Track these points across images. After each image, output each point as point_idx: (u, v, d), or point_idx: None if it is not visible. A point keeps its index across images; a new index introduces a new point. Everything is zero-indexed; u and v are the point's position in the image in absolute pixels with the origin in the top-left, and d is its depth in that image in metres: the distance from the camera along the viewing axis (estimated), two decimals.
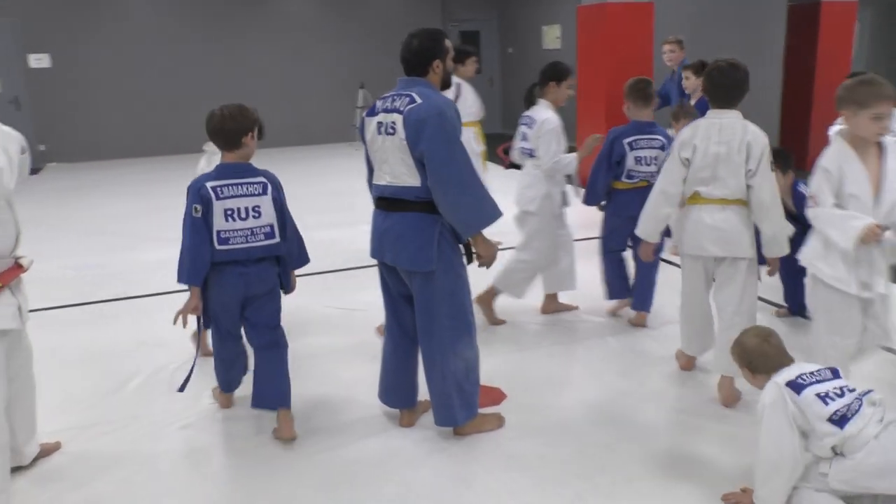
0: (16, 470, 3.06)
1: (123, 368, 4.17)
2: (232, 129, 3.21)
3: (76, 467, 3.17)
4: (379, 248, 3.17)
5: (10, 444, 2.95)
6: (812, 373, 2.57)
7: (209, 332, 3.56)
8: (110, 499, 2.95)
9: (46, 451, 3.24)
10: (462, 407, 3.21)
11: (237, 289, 3.26)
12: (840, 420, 2.44)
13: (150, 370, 4.15)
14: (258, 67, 13.03)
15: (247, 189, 3.21)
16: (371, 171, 3.26)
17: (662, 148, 4.44)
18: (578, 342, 4.42)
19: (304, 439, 3.34)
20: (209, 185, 3.19)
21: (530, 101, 4.64)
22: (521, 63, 14.13)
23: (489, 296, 4.63)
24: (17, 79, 11.90)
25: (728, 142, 3.36)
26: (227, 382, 3.58)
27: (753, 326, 2.98)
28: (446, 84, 3.17)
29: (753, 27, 11.43)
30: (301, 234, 3.51)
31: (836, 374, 2.60)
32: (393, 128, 2.98)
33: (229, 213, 3.18)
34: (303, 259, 3.52)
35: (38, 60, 12.02)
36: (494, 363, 3.98)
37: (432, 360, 3.18)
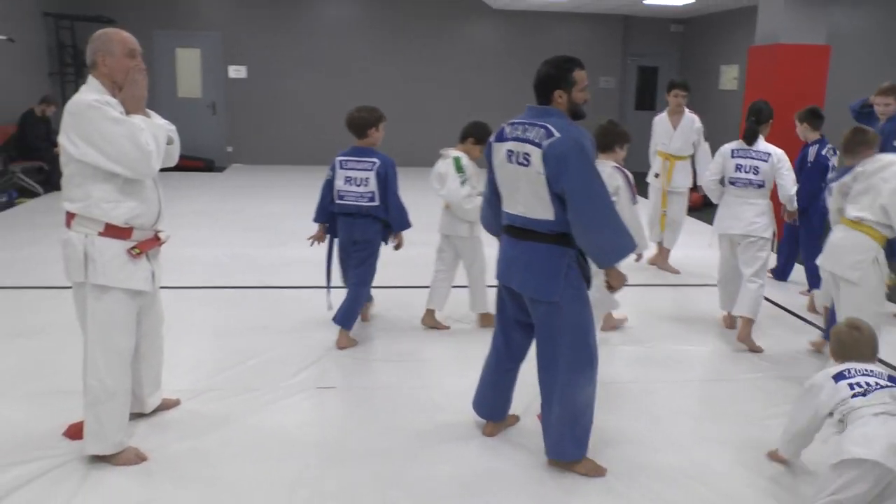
0: (139, 416, 3.48)
1: (247, 346, 4.58)
2: (360, 122, 4.60)
3: (188, 422, 3.54)
4: (506, 273, 3.21)
5: (137, 392, 3.38)
6: (866, 371, 2.90)
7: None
8: (210, 453, 3.28)
9: (167, 405, 3.64)
10: (574, 443, 3.15)
11: (346, 233, 4.60)
12: (854, 395, 2.82)
13: (269, 351, 4.52)
14: (438, 89, 13.52)
15: (361, 165, 4.51)
16: (495, 194, 3.27)
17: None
18: None
19: (400, 439, 3.54)
20: (338, 158, 4.59)
21: (753, 137, 5.03)
22: (697, 102, 13.81)
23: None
24: (217, 87, 13.09)
25: None
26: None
27: (854, 318, 3.25)
28: (576, 115, 3.09)
29: None
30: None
31: (892, 380, 2.86)
32: (527, 159, 2.98)
33: (348, 179, 4.51)
34: (403, 224, 4.65)
35: (237, 71, 13.14)
36: None
37: (550, 390, 3.15)
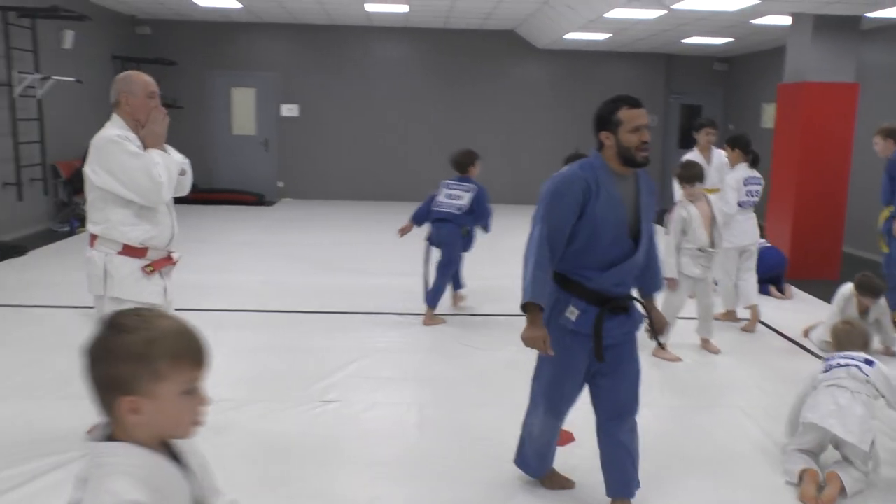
0: None
1: (267, 363, 4.95)
2: (462, 161, 6.21)
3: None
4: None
5: None
6: (846, 356, 3.59)
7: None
8: (209, 453, 3.61)
9: None
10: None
11: (436, 234, 6.14)
12: (823, 371, 3.56)
13: (285, 368, 4.88)
14: (482, 126, 13.85)
15: (462, 188, 6.10)
16: None
17: None
18: None
19: (396, 451, 3.83)
20: (446, 181, 6.19)
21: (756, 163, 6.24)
22: None
23: None
24: (270, 124, 13.74)
25: None
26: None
27: (848, 316, 4.48)
28: (626, 159, 2.89)
29: None
30: None
31: (868, 362, 3.53)
32: None
33: (449, 195, 6.09)
34: (488, 227, 6.30)
35: (290, 110, 13.77)
36: None
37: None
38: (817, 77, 8.40)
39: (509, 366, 4.89)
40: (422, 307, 6.10)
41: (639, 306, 3.13)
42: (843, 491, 3.30)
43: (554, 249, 2.91)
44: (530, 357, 3.17)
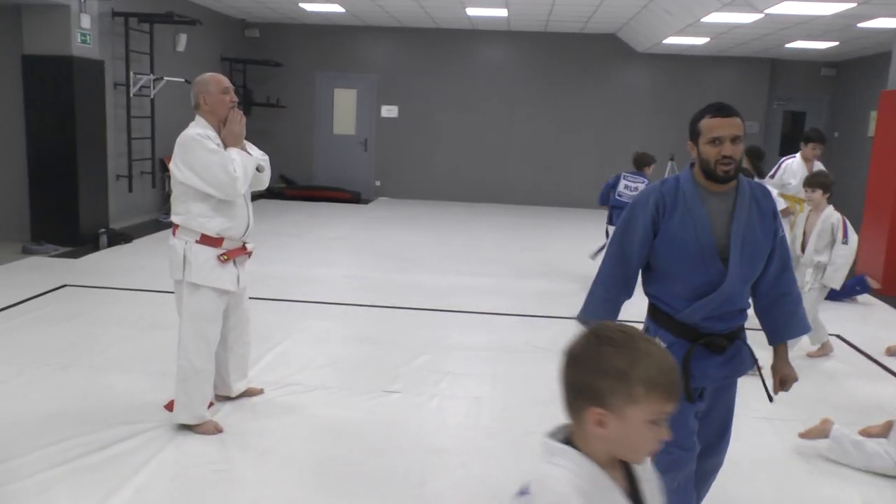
0: (225, 398, 4.16)
1: (338, 353, 5.21)
2: (639, 160, 7.61)
3: (264, 407, 4.19)
4: None
5: (224, 377, 4.05)
6: None
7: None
8: (273, 433, 3.88)
9: (251, 392, 4.28)
10: None
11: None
12: None
13: (355, 358, 5.12)
14: (582, 129, 13.88)
15: (637, 180, 7.37)
16: None
17: None
18: None
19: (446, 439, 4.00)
20: (624, 173, 7.56)
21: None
22: (843, 150, 13.40)
23: None
24: (370, 125, 14.14)
25: None
26: None
27: None
28: (707, 173, 2.63)
29: None
30: None
31: None
32: None
33: (626, 186, 7.34)
34: None
35: (389, 111, 14.13)
36: None
37: None
38: None
39: None
40: (505, 306, 6.21)
41: (750, 348, 2.75)
42: None
43: (626, 268, 2.74)
44: None
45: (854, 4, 7.21)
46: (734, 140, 2.57)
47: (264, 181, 4.05)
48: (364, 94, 14.09)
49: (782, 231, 2.76)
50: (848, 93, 13.53)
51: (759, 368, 2.75)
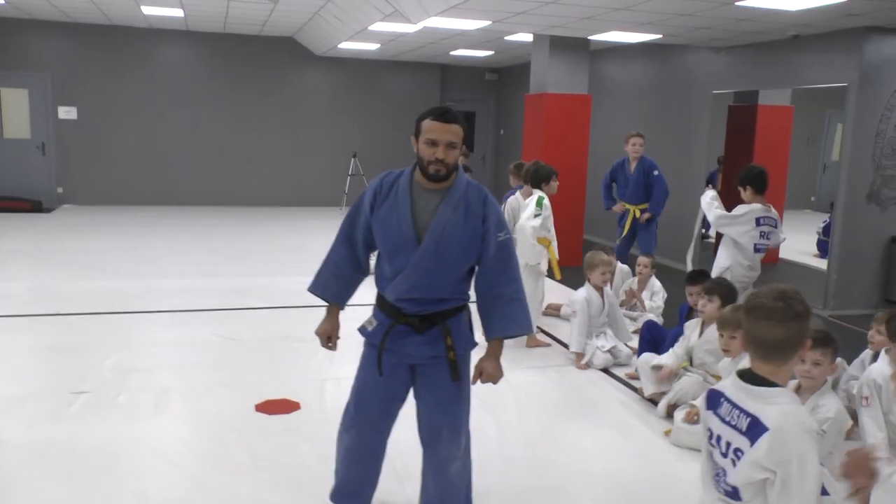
0: None
1: (23, 365, 5.18)
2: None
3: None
4: None
5: None
6: None
7: None
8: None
9: None
10: None
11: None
12: None
13: (44, 368, 5.13)
14: (266, 130, 14.21)
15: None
16: None
17: None
18: None
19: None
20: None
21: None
22: (508, 145, 15.21)
23: None
24: (47, 127, 13.33)
25: None
26: None
27: None
28: (421, 168, 2.84)
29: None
30: None
31: None
32: None
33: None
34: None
35: (67, 112, 13.42)
36: None
37: None
38: (556, 89, 9.55)
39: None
40: (195, 303, 6.46)
41: (450, 335, 2.91)
42: None
43: (352, 246, 3.00)
44: None
45: (490, 22, 8.37)
46: (449, 145, 2.75)
47: None
48: (37, 95, 13.24)
49: (504, 237, 2.91)
50: (510, 95, 15.32)
51: (451, 352, 2.90)
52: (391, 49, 12.46)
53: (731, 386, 2.11)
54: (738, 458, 2.01)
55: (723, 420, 2.08)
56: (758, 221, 5.38)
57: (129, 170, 13.68)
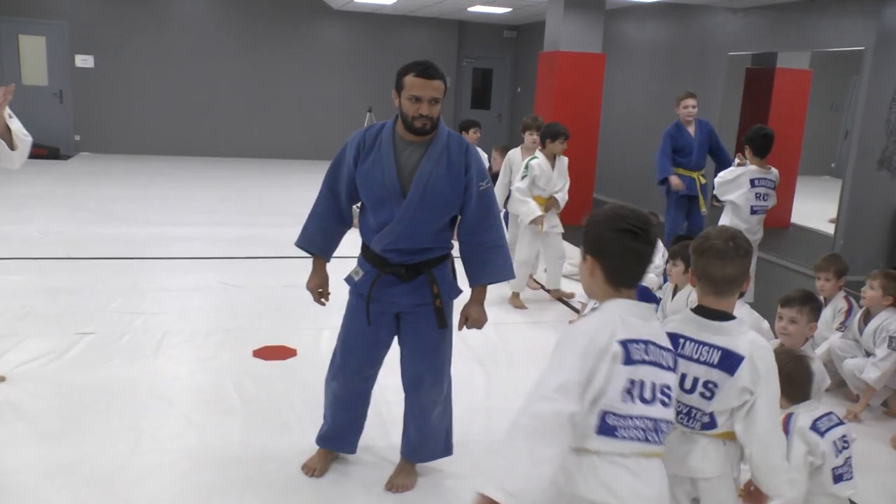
0: None
1: (31, 303, 5.32)
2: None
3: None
4: None
5: None
6: None
7: None
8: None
9: None
10: None
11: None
12: None
13: (50, 309, 5.28)
14: (281, 83, 14.22)
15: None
16: None
17: None
18: None
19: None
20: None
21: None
22: (525, 103, 15.11)
23: None
24: (64, 76, 13.41)
25: None
26: None
27: None
28: (405, 122, 2.89)
29: None
30: None
31: None
32: None
33: None
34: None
35: (84, 60, 13.48)
36: None
37: None
38: (569, 47, 9.47)
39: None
40: (202, 251, 6.56)
41: (435, 283, 2.97)
42: None
43: (336, 200, 3.07)
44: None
45: None
46: (432, 101, 2.80)
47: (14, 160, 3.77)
48: (55, 42, 13.32)
49: (486, 186, 2.95)
50: (527, 53, 15.17)
51: (437, 300, 2.97)
52: (409, 4, 12.37)
53: (688, 326, 2.22)
54: (712, 390, 2.14)
55: (690, 358, 2.18)
56: (752, 183, 5.38)
57: (146, 120, 13.76)
